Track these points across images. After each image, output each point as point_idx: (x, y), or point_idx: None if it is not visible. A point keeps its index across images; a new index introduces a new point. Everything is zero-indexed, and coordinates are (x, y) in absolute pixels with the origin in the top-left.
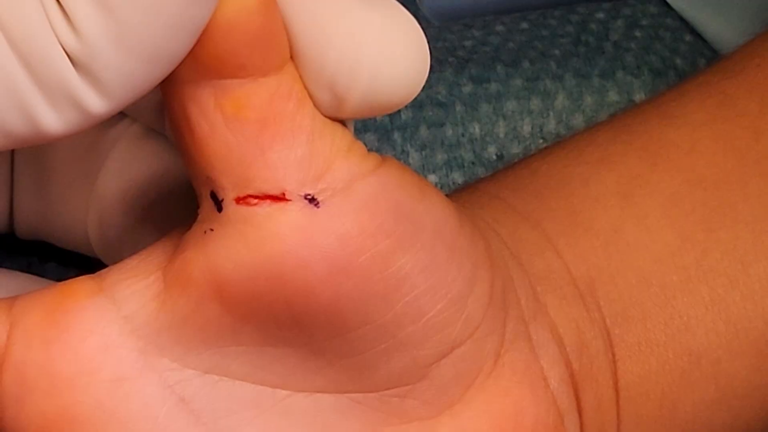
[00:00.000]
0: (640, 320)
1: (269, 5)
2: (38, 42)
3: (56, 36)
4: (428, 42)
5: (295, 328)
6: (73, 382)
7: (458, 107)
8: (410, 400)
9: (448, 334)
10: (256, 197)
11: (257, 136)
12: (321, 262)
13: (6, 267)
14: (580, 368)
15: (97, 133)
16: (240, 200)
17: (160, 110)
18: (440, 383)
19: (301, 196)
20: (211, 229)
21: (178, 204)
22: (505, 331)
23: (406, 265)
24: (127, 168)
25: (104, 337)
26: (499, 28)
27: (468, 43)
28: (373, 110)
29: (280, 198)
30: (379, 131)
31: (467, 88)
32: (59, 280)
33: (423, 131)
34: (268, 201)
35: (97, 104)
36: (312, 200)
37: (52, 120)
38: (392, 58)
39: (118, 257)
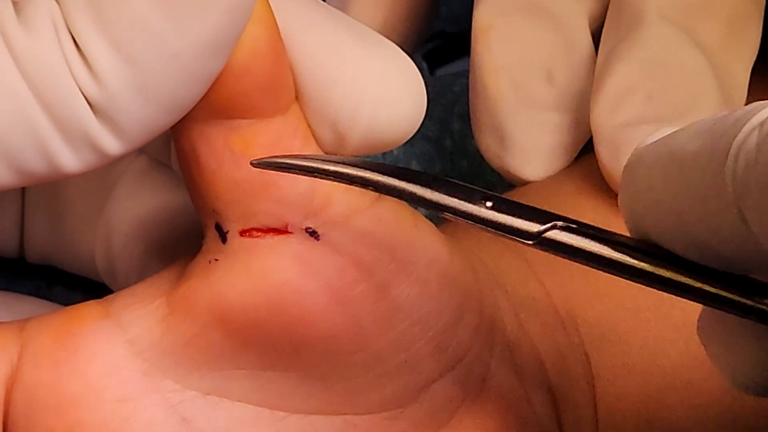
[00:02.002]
0: (617, 343)
1: (279, 51)
2: (59, 88)
3: (76, 83)
4: None
5: (293, 353)
6: (79, 402)
7: (447, 143)
8: (401, 423)
9: (438, 360)
10: (259, 230)
11: (263, 172)
12: (320, 292)
13: (15, 291)
14: (561, 391)
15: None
16: (244, 233)
17: (167, 143)
18: (430, 406)
19: (302, 229)
20: (216, 259)
21: (183, 234)
22: (492, 357)
23: (401, 295)
24: (134, 199)
25: (110, 359)
26: None
27: (457, 89)
28: (373, 148)
29: (282, 231)
30: None
31: (456, 126)
32: (66, 303)
33: (413, 166)
34: (271, 234)
35: (114, 146)
36: (312, 233)
37: (70, 160)
38: (392, 100)
39: (124, 284)
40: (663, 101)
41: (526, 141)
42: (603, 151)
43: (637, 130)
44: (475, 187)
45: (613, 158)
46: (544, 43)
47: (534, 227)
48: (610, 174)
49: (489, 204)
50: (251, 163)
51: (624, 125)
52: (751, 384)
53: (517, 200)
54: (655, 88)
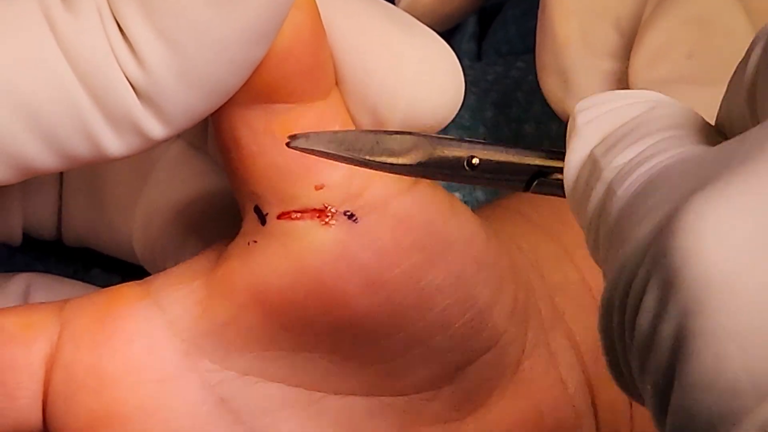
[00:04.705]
0: None
1: (320, 36)
2: (104, 73)
3: (121, 67)
4: None
5: (331, 335)
6: (119, 382)
7: (481, 130)
8: (437, 404)
9: (474, 342)
10: (299, 212)
11: (304, 156)
12: (358, 274)
13: (53, 273)
14: (596, 373)
15: None
16: (283, 215)
17: (204, 128)
18: (466, 388)
19: (341, 212)
20: (255, 241)
21: (220, 218)
22: (527, 339)
23: (437, 278)
24: (171, 183)
25: (150, 339)
26: (520, 65)
27: (490, 77)
28: None
29: (321, 212)
30: None
31: (489, 113)
32: (104, 285)
33: None
34: (310, 214)
35: (157, 130)
36: (351, 216)
37: (114, 144)
38: (430, 86)
39: (162, 267)
40: (702, 61)
41: (590, 88)
42: None
43: (673, 87)
44: (464, 143)
45: None
46: None
47: (519, 186)
48: None
49: (475, 162)
50: (290, 145)
51: (660, 81)
52: None
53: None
54: (696, 47)
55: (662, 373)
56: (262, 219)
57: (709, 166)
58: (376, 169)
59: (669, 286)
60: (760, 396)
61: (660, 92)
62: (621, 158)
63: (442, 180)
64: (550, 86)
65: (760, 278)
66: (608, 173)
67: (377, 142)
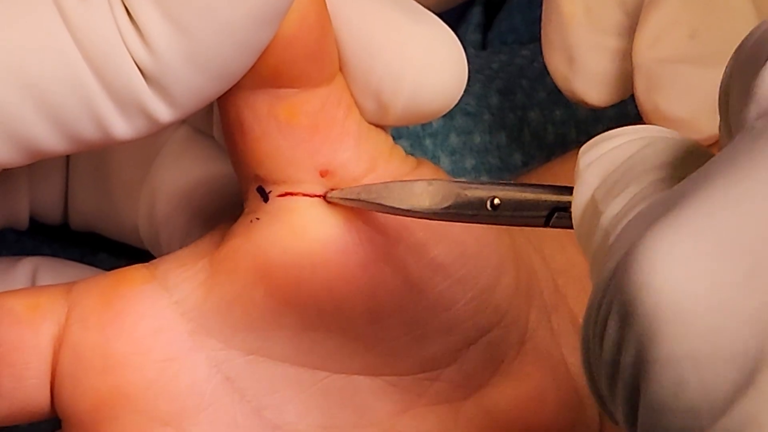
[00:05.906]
0: None
1: (325, 21)
2: (112, 57)
3: (129, 52)
4: None
5: (335, 313)
6: (126, 362)
7: (486, 116)
8: (440, 383)
9: (477, 322)
10: (303, 195)
11: (308, 140)
12: (361, 250)
13: (60, 257)
14: None
15: None
16: (286, 194)
17: (209, 112)
18: (469, 368)
19: None
20: (258, 218)
21: (225, 202)
22: (529, 320)
23: (440, 255)
24: (176, 168)
25: (156, 320)
26: (525, 52)
27: (495, 65)
28: (414, 119)
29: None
30: (412, 138)
31: (494, 100)
32: (111, 269)
33: (453, 138)
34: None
35: (164, 113)
36: None
37: (122, 127)
38: (434, 71)
39: (167, 251)
40: (704, 41)
41: (595, 66)
42: (639, 83)
43: (675, 67)
44: (484, 185)
45: (648, 91)
46: None
47: (539, 221)
48: (644, 107)
49: (497, 202)
50: (326, 198)
51: (663, 60)
52: None
53: (560, 169)
54: (699, 27)
55: (628, 397)
56: (265, 196)
57: (667, 202)
58: (404, 216)
59: (626, 318)
60: (715, 415)
61: (662, 72)
62: (615, 205)
63: (467, 222)
64: (556, 64)
65: (708, 303)
66: (604, 220)
67: (404, 190)
